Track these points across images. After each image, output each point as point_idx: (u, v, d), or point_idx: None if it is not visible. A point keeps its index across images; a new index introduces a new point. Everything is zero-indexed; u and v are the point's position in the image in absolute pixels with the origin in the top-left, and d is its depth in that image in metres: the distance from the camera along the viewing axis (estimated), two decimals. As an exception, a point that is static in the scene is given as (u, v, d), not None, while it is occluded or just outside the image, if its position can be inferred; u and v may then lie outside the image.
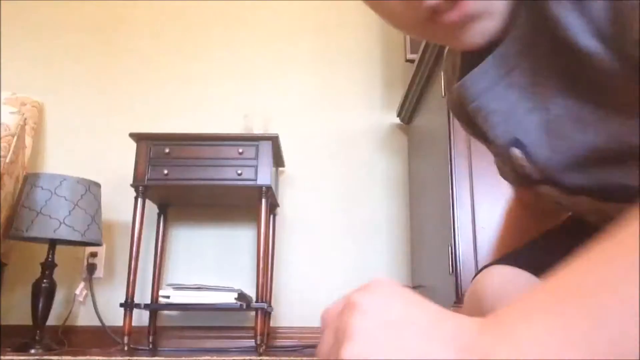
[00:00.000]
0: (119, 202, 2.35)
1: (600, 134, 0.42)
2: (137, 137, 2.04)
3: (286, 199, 2.42)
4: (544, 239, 0.67)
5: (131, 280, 1.94)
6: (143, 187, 2.00)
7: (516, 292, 0.52)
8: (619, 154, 0.42)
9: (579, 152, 0.44)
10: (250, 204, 2.12)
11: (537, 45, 0.44)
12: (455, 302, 1.48)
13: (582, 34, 0.39)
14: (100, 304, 2.24)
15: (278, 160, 2.26)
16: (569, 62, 0.42)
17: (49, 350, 1.89)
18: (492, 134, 0.51)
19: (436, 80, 1.84)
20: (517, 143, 0.49)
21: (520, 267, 0.60)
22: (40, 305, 1.96)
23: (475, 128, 0.55)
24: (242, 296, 2.02)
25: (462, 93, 0.51)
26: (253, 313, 2.07)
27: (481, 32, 0.44)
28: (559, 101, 0.44)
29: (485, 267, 0.64)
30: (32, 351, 1.86)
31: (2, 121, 2.13)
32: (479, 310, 0.59)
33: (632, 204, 0.33)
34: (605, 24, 0.37)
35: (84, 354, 1.67)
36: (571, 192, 0.49)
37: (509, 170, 0.53)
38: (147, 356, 1.79)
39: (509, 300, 0.31)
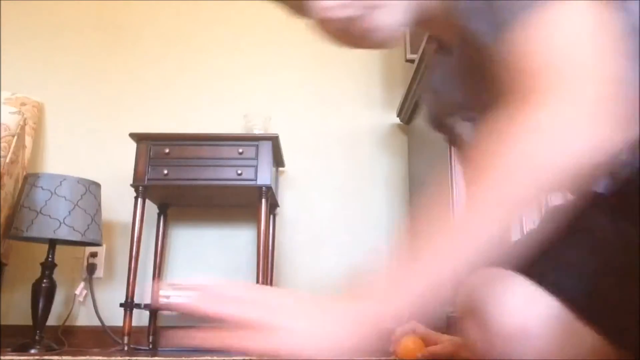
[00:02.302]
0: (119, 202, 2.34)
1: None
2: (137, 137, 2.04)
3: (286, 199, 2.42)
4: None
5: (131, 280, 1.94)
6: (143, 187, 2.00)
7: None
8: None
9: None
10: (250, 204, 2.12)
11: (461, 57, 0.70)
12: (455, 302, 1.48)
13: (488, 36, 0.60)
14: (100, 304, 2.24)
15: (278, 160, 2.26)
16: (474, 58, 0.65)
17: (48, 350, 1.89)
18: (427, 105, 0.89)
19: (436, 80, 1.84)
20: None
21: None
22: (40, 305, 1.96)
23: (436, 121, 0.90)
24: (242, 296, 2.01)
25: (425, 87, 0.89)
26: (253, 313, 2.06)
27: (383, 36, 0.67)
28: (457, 85, 0.75)
29: None
30: (32, 351, 1.86)
31: (2, 121, 2.13)
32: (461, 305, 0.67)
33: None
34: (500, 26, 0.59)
35: (84, 354, 1.67)
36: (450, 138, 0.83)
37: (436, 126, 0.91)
38: (147, 356, 1.79)
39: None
